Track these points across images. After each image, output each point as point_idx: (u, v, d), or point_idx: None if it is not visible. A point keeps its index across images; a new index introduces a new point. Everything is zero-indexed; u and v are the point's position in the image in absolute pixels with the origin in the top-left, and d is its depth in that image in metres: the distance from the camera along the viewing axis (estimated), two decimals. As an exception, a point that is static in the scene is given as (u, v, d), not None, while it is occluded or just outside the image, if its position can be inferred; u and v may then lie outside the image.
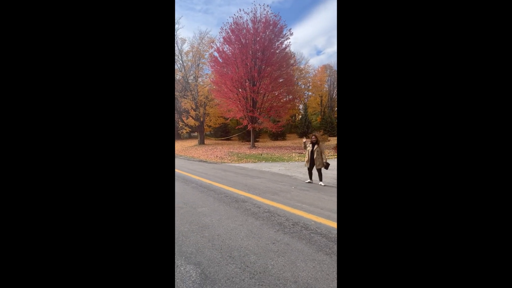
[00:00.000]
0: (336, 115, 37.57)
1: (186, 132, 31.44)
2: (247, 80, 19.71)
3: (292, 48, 21.55)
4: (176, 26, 26.70)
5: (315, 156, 6.67)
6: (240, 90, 19.95)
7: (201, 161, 14.26)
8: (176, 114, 28.69)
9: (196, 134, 32.19)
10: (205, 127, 29.19)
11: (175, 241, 2.89)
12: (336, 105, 42.11)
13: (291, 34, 19.90)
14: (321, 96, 43.20)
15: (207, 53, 26.74)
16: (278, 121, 23.24)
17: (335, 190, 5.66)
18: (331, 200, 4.72)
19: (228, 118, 23.79)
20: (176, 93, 26.78)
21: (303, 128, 32.52)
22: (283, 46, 20.12)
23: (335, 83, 41.91)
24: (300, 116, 37.91)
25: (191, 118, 27.12)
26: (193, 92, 27.19)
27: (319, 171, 6.64)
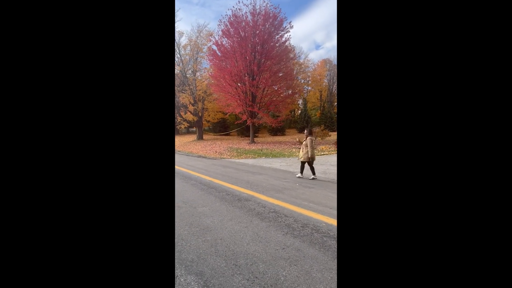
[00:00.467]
0: (335, 110, 37.37)
1: (185, 127, 31.09)
2: (246, 74, 19.35)
3: (291, 42, 21.17)
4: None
5: (302, 149, 6.89)
6: (239, 84, 19.59)
7: (200, 156, 13.98)
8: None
9: (194, 129, 31.80)
10: (203, 122, 28.85)
11: (175, 246, 2.61)
12: (335, 100, 41.92)
13: (291, 27, 19.52)
14: (321, 91, 42.86)
15: (205, 47, 26.26)
16: (278, 116, 22.96)
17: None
18: (339, 199, 4.44)
19: (227, 113, 23.41)
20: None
21: (302, 123, 32.23)
22: (283, 39, 19.74)
23: (335, 77, 41.64)
24: (300, 111, 37.63)
25: (189, 113, 26.78)
26: (191, 87, 26.79)
27: (303, 164, 6.88)
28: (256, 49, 19.13)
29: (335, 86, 42.20)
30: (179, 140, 27.88)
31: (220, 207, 3.98)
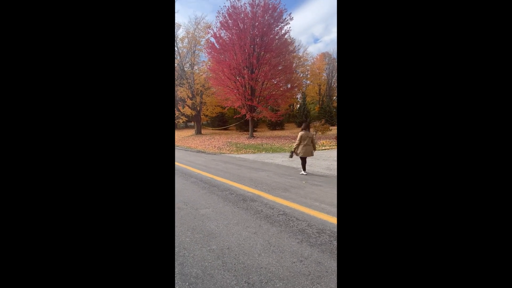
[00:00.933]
0: (334, 104, 37.07)
1: (183, 122, 30.64)
2: (245, 67, 18.93)
3: (290, 35, 20.59)
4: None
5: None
6: (238, 77, 19.17)
7: (199, 151, 13.63)
8: (171, 103, 27.96)
9: (192, 123, 31.38)
10: (202, 116, 28.44)
11: (175, 257, 2.28)
12: (334, 94, 41.58)
13: (291, 19, 19.05)
14: (320, 85, 42.43)
15: (203, 39, 25.72)
16: (277, 110, 22.61)
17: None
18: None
19: (225, 107, 23.00)
20: (172, 81, 25.89)
21: (301, 118, 31.89)
22: (283, 31, 19.28)
23: (334, 71, 41.25)
24: (298, 106, 37.22)
25: (187, 107, 26.34)
26: (189, 80, 26.30)
27: (303, 159, 6.71)
28: (255, 41, 18.67)
29: (334, 80, 41.85)
30: (177, 135, 27.50)
31: (224, 209, 3.65)
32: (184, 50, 26.99)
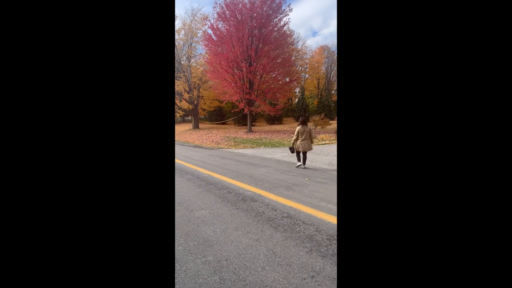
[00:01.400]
0: (333, 99, 36.71)
1: (180, 116, 30.17)
2: (243, 60, 18.48)
3: (289, 27, 20.03)
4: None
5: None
6: (236, 70, 18.72)
7: (196, 146, 13.27)
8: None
9: (190, 117, 30.92)
10: (199, 110, 28.02)
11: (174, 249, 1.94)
12: (333, 88, 41.18)
13: (290, 10, 18.55)
14: (318, 79, 41.93)
15: (200, 31, 25.13)
16: (276, 104, 22.22)
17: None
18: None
19: (223, 101, 22.54)
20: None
21: (300, 112, 31.53)
22: (282, 23, 18.80)
23: (333, 65, 40.75)
24: (297, 100, 36.79)
25: (184, 101, 25.85)
26: (186, 74, 25.79)
27: (303, 154, 6.68)
28: (254, 33, 18.22)
29: (333, 73, 41.36)
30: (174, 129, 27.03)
31: (221, 210, 3.31)
32: (181, 42, 26.36)
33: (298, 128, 6.66)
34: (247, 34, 17.88)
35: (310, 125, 15.35)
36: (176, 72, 25.81)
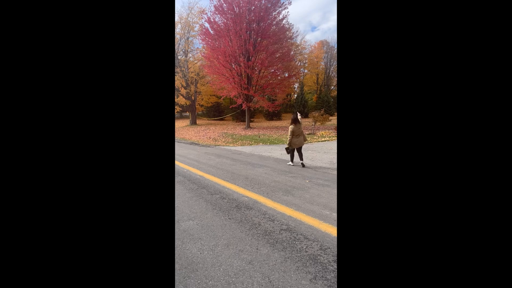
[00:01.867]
0: (332, 94, 36.28)
1: (177, 112, 29.71)
2: (241, 55, 17.99)
3: (288, 20, 19.44)
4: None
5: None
6: (233, 65, 18.24)
7: (192, 143, 12.86)
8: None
9: (188, 113, 30.45)
10: (197, 106, 27.52)
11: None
12: (332, 83, 40.73)
13: (290, 3, 18.02)
14: (317, 74, 41.41)
15: (197, 25, 24.55)
16: (275, 100, 21.76)
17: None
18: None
19: (221, 97, 22.08)
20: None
21: (299, 108, 31.11)
22: (280, 16, 18.27)
23: (332, 60, 40.25)
24: (296, 95, 36.31)
25: (181, 96, 25.35)
26: (182, 69, 25.27)
27: (297, 150, 6.52)
28: (252, 27, 17.70)
29: (332, 69, 40.86)
30: (171, 126, 26.62)
31: (212, 221, 2.92)
32: (177, 36, 25.79)
33: (291, 127, 6.35)
34: (245, 28, 17.37)
35: (309, 121, 14.87)
36: (173, 67, 25.31)
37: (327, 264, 2.03)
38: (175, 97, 25.34)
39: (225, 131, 18.47)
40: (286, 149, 6.65)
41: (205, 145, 11.85)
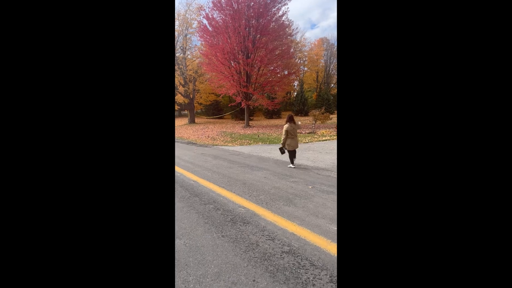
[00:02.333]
0: (332, 92, 35.86)
1: (175, 110, 29.27)
2: (240, 52, 17.56)
3: (288, 17, 19.01)
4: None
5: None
6: (232, 63, 17.81)
7: (189, 142, 12.47)
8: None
9: (186, 112, 30.01)
10: (195, 104, 27.12)
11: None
12: (332, 81, 40.32)
13: (289, -1, 17.56)
14: (317, 72, 40.94)
15: (195, 22, 24.07)
16: (274, 98, 21.34)
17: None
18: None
19: (220, 95, 21.63)
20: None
21: (299, 106, 30.69)
22: (280, 12, 17.83)
23: (332, 57, 39.80)
24: (295, 93, 35.87)
25: (179, 94, 24.93)
26: (181, 66, 24.81)
27: (292, 153, 6.27)
28: (251, 23, 17.28)
29: (332, 66, 40.42)
30: (169, 124, 26.23)
31: (202, 240, 2.52)
32: (175, 33, 25.31)
33: (286, 126, 6.09)
34: (244, 24, 16.94)
35: (309, 119, 14.45)
36: (170, 65, 24.85)
37: (340, 305, 1.64)
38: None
39: (224, 129, 18.08)
40: (280, 149, 6.41)
41: (203, 145, 11.47)
